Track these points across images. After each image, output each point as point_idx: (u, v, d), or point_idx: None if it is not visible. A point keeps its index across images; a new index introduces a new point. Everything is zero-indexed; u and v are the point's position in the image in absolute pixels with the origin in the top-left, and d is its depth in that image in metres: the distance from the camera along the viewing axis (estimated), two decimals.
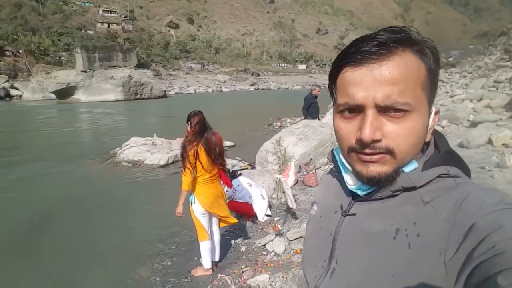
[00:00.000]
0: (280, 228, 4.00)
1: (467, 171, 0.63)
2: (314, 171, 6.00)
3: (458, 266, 0.49)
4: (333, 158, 0.74)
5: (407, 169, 0.60)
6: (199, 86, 50.98)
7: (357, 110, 0.58)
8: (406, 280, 0.55)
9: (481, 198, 0.52)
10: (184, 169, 3.10)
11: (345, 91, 0.59)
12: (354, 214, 0.67)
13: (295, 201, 5.10)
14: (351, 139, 0.60)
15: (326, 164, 7.23)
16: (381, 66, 0.56)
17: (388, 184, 0.60)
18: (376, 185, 0.61)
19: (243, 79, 64.56)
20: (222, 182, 3.59)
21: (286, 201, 4.79)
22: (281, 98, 35.60)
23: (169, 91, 41.65)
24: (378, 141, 0.57)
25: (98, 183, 7.11)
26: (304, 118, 8.41)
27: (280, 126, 14.72)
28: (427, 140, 0.62)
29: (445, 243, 0.52)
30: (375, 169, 0.59)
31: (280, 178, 4.24)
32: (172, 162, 8.35)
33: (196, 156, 3.11)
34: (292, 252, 3.65)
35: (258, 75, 72.06)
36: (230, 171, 4.99)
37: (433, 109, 0.62)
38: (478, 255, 0.46)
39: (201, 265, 3.52)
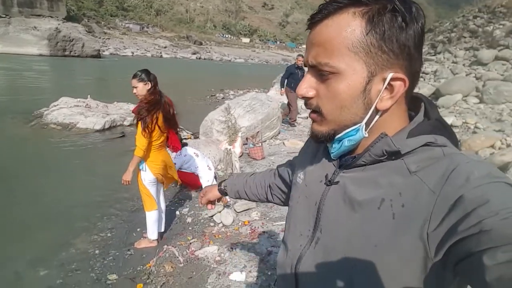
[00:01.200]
0: (228, 200, 3.93)
1: (455, 141, 0.63)
2: (260, 144, 6.00)
3: (440, 237, 0.50)
4: None
5: (351, 134, 0.61)
6: (137, 49, 47.53)
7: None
8: (388, 250, 0.55)
9: (469, 170, 0.51)
10: (143, 133, 2.82)
11: None
12: (337, 183, 0.66)
13: (240, 173, 5.08)
14: None
15: (271, 138, 7.31)
16: (315, 29, 0.59)
17: (328, 141, 0.64)
18: (317, 142, 0.67)
19: (185, 46, 61.86)
20: (169, 147, 3.42)
21: (232, 172, 4.73)
22: (223, 70, 34.96)
23: (103, 51, 38.17)
24: (310, 98, 0.61)
25: (21, 146, 6.27)
26: (281, 87, 8.56)
27: (223, 98, 14.50)
28: (384, 108, 0.58)
29: (430, 214, 0.51)
30: (314, 127, 0.64)
31: (230, 149, 4.13)
32: (109, 128, 7.69)
33: (156, 120, 2.87)
34: (240, 223, 3.63)
35: (201, 44, 69.64)
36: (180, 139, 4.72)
37: (390, 74, 0.56)
38: (463, 229, 0.46)
39: (145, 237, 3.33)
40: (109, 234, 3.46)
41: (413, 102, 0.65)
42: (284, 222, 2.92)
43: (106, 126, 7.61)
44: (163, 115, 2.97)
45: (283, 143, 7.10)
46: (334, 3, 0.56)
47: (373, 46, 0.55)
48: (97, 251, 3.15)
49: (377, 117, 0.60)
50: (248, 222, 3.64)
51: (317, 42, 0.58)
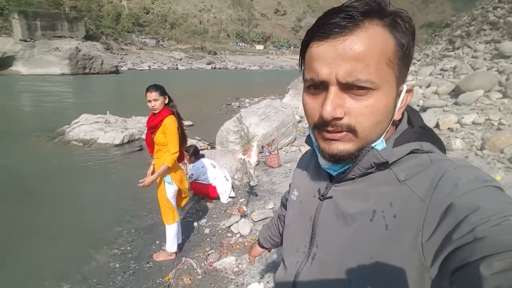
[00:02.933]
0: (245, 209, 3.94)
1: (441, 146, 0.63)
2: (276, 151, 5.99)
3: (435, 247, 0.49)
4: (309, 139, 0.71)
5: (376, 147, 0.59)
6: (154, 63, 48.67)
7: (321, 86, 0.56)
8: (384, 262, 0.55)
9: (457, 176, 0.51)
10: (174, 143, 2.89)
11: (310, 66, 0.57)
12: (331, 197, 0.66)
13: (257, 181, 5.08)
14: (316, 115, 0.58)
15: (287, 145, 7.28)
16: (344, 41, 0.52)
17: (350, 160, 0.59)
18: (339, 163, 0.61)
19: (200, 57, 62.77)
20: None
21: (249, 181, 4.74)
22: (238, 78, 35.22)
23: (121, 66, 39.29)
24: (340, 118, 0.55)
25: (46, 163, 6.49)
26: None
27: (239, 106, 14.59)
28: (397, 119, 0.60)
29: (422, 224, 0.51)
30: (337, 147, 0.58)
31: (244, 159, 4.14)
32: (128, 142, 7.88)
33: (179, 131, 2.98)
34: (257, 233, 3.62)
35: (215, 53, 70.50)
36: (196, 148, 4.78)
37: (404, 87, 0.58)
38: (456, 238, 0.45)
39: (163, 249, 3.36)
40: (128, 248, 3.52)
41: None
42: None
43: (125, 141, 7.81)
44: (180, 128, 3.04)
45: (299, 149, 7.05)
46: (355, 12, 0.52)
47: (400, 60, 0.55)
48: (117, 265, 3.21)
49: (389, 128, 0.61)
50: None
51: (353, 57, 0.52)
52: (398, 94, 0.58)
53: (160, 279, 2.97)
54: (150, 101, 2.91)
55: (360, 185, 0.62)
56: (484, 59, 11.97)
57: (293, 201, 0.80)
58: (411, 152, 0.58)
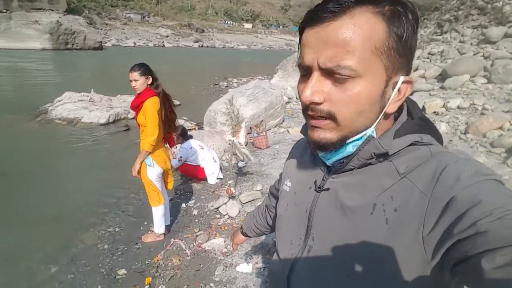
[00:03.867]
0: (233, 191, 3.95)
1: (439, 138, 0.63)
2: (264, 133, 5.99)
3: (436, 241, 0.49)
4: (304, 129, 0.68)
5: (362, 138, 0.59)
6: (139, 39, 47.17)
7: (307, 71, 0.57)
8: (384, 256, 0.55)
9: (458, 169, 0.51)
10: (152, 127, 2.82)
11: (301, 52, 0.58)
12: (328, 189, 0.65)
13: (245, 163, 5.09)
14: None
15: (275, 126, 7.28)
16: (328, 27, 0.52)
17: (332, 149, 0.60)
18: (321, 151, 0.62)
19: (187, 34, 61.23)
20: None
21: (243, 160, 4.72)
22: (226, 57, 34.67)
23: (105, 42, 37.90)
24: (319, 104, 0.55)
25: (28, 143, 6.31)
26: None
27: (227, 86, 14.44)
28: (391, 111, 0.58)
29: (423, 217, 0.51)
30: (318, 135, 0.58)
31: (233, 141, 4.12)
32: (113, 121, 7.70)
33: (161, 113, 2.91)
34: (246, 214, 3.64)
35: (203, 31, 68.89)
36: (184, 129, 4.72)
37: (401, 78, 0.56)
38: (458, 232, 0.45)
39: (151, 230, 3.37)
40: (117, 229, 3.50)
41: None
42: None
43: (111, 120, 7.63)
44: (166, 109, 2.97)
45: (288, 131, 7.07)
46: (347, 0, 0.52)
47: (393, 49, 0.54)
48: (106, 246, 3.20)
49: (381, 120, 0.59)
50: None
51: (334, 42, 0.52)
52: (389, 85, 0.56)
53: (149, 260, 2.99)
54: (131, 80, 2.85)
55: (358, 177, 0.61)
56: (471, 44, 12.06)
57: (286, 192, 0.78)
58: (411, 144, 0.58)
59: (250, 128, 6.14)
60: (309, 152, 0.74)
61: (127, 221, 3.68)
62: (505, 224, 0.42)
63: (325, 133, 0.58)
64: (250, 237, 1.23)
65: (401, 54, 0.54)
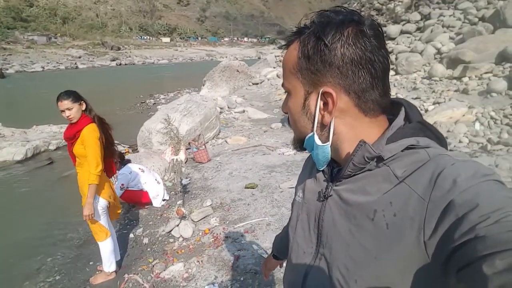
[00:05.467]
0: (183, 211, 3.79)
1: (442, 141, 0.64)
2: (204, 146, 5.88)
3: (438, 246, 0.50)
4: None
5: (306, 144, 0.69)
6: (48, 63, 42.87)
7: None
8: (388, 261, 0.56)
9: (455, 172, 0.51)
10: (94, 157, 2.57)
11: None
12: (332, 197, 0.68)
13: (189, 180, 4.95)
14: None
15: (213, 138, 7.22)
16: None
17: (298, 148, 0.73)
18: (294, 148, 0.75)
19: (102, 53, 57.64)
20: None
21: (181, 180, 4.57)
22: (148, 73, 33.42)
23: (7, 69, 33.71)
24: (286, 113, 0.72)
25: None
26: None
27: (155, 103, 13.94)
28: (326, 123, 0.63)
29: (423, 222, 0.52)
30: (292, 136, 0.74)
31: (177, 159, 3.97)
32: (32, 156, 6.86)
33: (102, 141, 2.68)
34: (200, 233, 3.53)
35: (119, 48, 65.51)
36: (121, 154, 4.42)
37: (320, 91, 0.62)
38: (458, 237, 0.46)
39: (100, 270, 3.07)
40: (57, 277, 3.10)
41: (394, 107, 0.67)
42: (245, 223, 2.92)
43: (29, 155, 6.79)
44: (105, 139, 2.75)
45: (226, 141, 7.05)
46: (294, 33, 0.66)
47: (304, 68, 0.63)
48: None
49: (331, 130, 0.63)
50: (209, 230, 3.55)
51: (282, 66, 0.69)
52: (309, 98, 0.64)
53: None
54: (63, 111, 2.58)
55: (359, 183, 0.63)
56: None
57: (298, 202, 0.81)
58: (408, 148, 0.59)
59: (189, 143, 5.99)
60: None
61: (68, 265, 3.29)
62: (503, 227, 0.42)
63: (293, 135, 0.74)
64: (283, 260, 1.21)
65: (312, 71, 0.61)
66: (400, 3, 15.03)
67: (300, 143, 0.71)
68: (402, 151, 0.59)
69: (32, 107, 13.83)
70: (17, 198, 5.09)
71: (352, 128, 0.63)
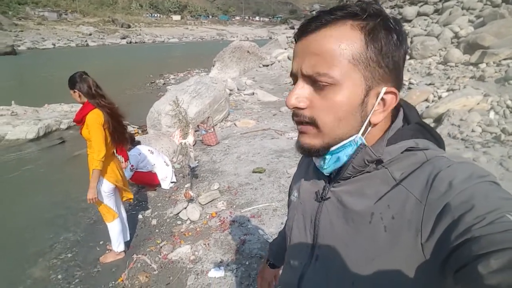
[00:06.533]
0: (191, 194, 3.84)
1: (440, 142, 0.64)
2: (212, 129, 5.89)
3: (435, 248, 0.50)
4: None
5: (351, 145, 0.60)
6: (59, 40, 42.78)
7: (295, 79, 0.61)
8: (386, 264, 0.56)
9: (451, 174, 0.52)
10: (97, 144, 2.59)
11: (292, 62, 0.62)
12: (329, 198, 0.67)
13: (197, 162, 4.98)
14: None
15: (222, 121, 7.21)
16: (311, 37, 0.57)
17: (316, 155, 0.63)
18: (307, 156, 0.67)
19: (112, 31, 57.29)
20: (117, 155, 3.19)
21: (188, 163, 4.60)
22: (158, 52, 33.22)
23: (19, 45, 33.69)
24: (302, 109, 0.59)
25: None
26: None
27: (164, 84, 13.91)
28: (377, 121, 0.60)
29: (420, 224, 0.52)
30: (303, 140, 0.62)
31: (185, 142, 3.99)
32: (44, 135, 6.96)
33: (108, 127, 2.68)
34: (208, 216, 3.58)
35: (129, 26, 65.00)
36: (131, 135, 4.46)
37: (383, 89, 0.58)
38: (454, 238, 0.46)
39: (110, 249, 3.15)
40: (69, 255, 3.21)
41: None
42: (252, 208, 2.93)
43: (41, 133, 6.89)
44: (112, 125, 2.73)
45: (235, 124, 7.04)
46: (330, 13, 0.57)
47: (372, 60, 0.56)
48: (59, 276, 2.92)
49: (369, 129, 0.61)
50: (216, 213, 3.60)
51: (314, 51, 0.56)
52: (369, 95, 0.58)
53: (113, 282, 2.79)
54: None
55: (357, 185, 0.63)
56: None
57: (294, 202, 0.81)
58: (407, 150, 0.59)
59: (198, 125, 6.00)
60: (313, 164, 0.75)
61: (80, 243, 3.39)
62: (498, 227, 0.43)
63: (309, 139, 0.61)
64: (280, 267, 1.15)
65: (381, 66, 0.57)
66: None
67: (326, 150, 0.61)
68: (401, 153, 0.60)
69: (44, 85, 13.94)
70: (29, 176, 5.21)
71: (376, 127, 0.62)
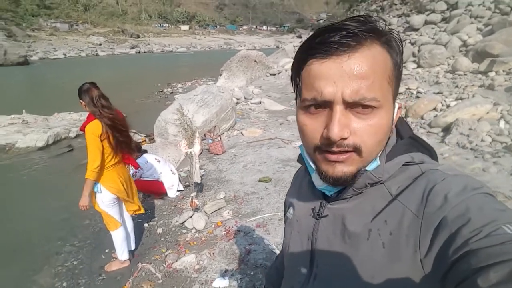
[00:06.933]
0: (197, 203, 3.83)
1: (432, 154, 0.64)
2: (219, 138, 5.90)
3: (434, 263, 0.50)
4: (301, 158, 0.70)
5: (370, 167, 0.58)
6: (70, 50, 43.72)
7: (323, 105, 0.55)
8: (386, 281, 0.55)
9: (445, 188, 0.52)
10: (91, 154, 2.61)
11: (311, 85, 0.55)
12: (327, 216, 0.66)
13: (203, 171, 4.98)
14: (317, 137, 0.56)
15: (228, 130, 7.22)
16: (350, 59, 0.52)
17: (352, 183, 0.59)
18: (341, 186, 0.60)
19: (122, 41, 58.34)
20: (127, 164, 3.19)
21: (193, 175, 4.60)
22: (166, 61, 33.65)
23: (31, 56, 34.48)
24: (345, 139, 0.54)
25: None
26: None
27: (172, 92, 14.04)
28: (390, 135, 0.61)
29: (418, 240, 0.52)
30: (341, 169, 0.56)
31: (191, 152, 4.00)
32: (54, 143, 7.07)
33: (107, 137, 2.67)
34: (213, 226, 3.57)
35: (138, 36, 66.10)
36: (138, 144, 4.48)
37: (396, 105, 0.60)
38: (452, 253, 0.46)
39: (115, 258, 3.16)
40: (74, 262, 3.22)
41: None
42: (258, 217, 2.90)
43: (50, 142, 7.00)
44: (113, 132, 2.73)
45: (241, 133, 7.05)
46: (360, 30, 0.52)
47: (396, 78, 0.57)
48: (64, 284, 2.92)
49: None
50: (221, 222, 3.58)
51: (360, 75, 0.51)
52: (394, 113, 0.59)
53: None
54: None
55: (354, 203, 0.62)
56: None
57: (290, 219, 0.79)
58: (403, 165, 0.60)
59: (204, 134, 6.02)
60: (307, 180, 0.74)
61: (85, 251, 3.41)
62: (495, 240, 0.43)
63: (348, 167, 0.56)
64: None
65: (399, 81, 0.58)
66: None
67: (358, 172, 0.57)
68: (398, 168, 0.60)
69: (54, 94, 14.17)
70: (39, 183, 5.27)
71: None
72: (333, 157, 0.56)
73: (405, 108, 7.15)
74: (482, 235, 0.43)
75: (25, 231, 3.82)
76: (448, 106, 6.64)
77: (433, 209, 0.51)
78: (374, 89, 0.52)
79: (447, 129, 5.92)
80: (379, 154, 0.59)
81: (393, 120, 0.59)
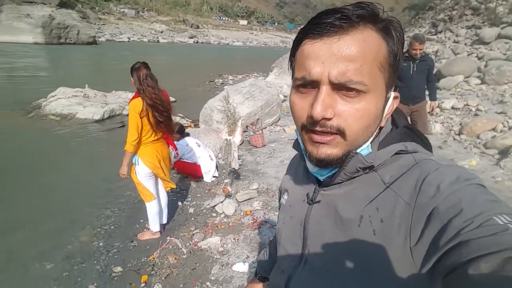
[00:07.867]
0: (229, 190, 3.95)
1: (427, 145, 0.64)
2: (260, 131, 5.98)
3: (424, 253, 0.49)
4: (297, 144, 0.71)
5: (361, 152, 0.59)
6: (134, 34, 46.62)
7: (312, 85, 0.55)
8: (375, 267, 0.55)
9: (438, 178, 0.51)
10: (130, 128, 2.81)
11: (302, 64, 0.56)
12: (319, 202, 0.67)
13: (241, 161, 5.09)
14: (304, 116, 0.57)
15: (271, 125, 7.28)
16: (339, 40, 0.52)
17: (337, 165, 0.59)
18: (326, 168, 0.61)
19: (182, 30, 60.81)
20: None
21: (231, 162, 4.73)
22: (221, 53, 34.53)
23: (99, 37, 37.34)
24: (329, 119, 0.54)
25: (21, 139, 6.25)
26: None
27: (222, 83, 14.39)
28: (383, 125, 0.60)
29: (409, 228, 0.51)
30: (325, 151, 0.57)
31: (230, 139, 4.12)
32: (108, 117, 7.66)
33: (146, 115, 2.83)
34: (242, 213, 3.66)
35: (198, 27, 68.47)
36: (181, 126, 4.71)
37: (392, 94, 0.59)
38: (443, 243, 0.46)
39: (147, 228, 3.36)
40: (112, 227, 3.48)
41: None
42: None
43: (105, 116, 7.58)
44: (154, 111, 2.86)
45: (284, 129, 7.08)
46: (355, 13, 0.53)
47: (391, 66, 0.56)
48: (101, 244, 3.19)
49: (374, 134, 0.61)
50: (250, 212, 3.66)
51: (348, 57, 0.52)
52: (386, 100, 0.59)
53: (145, 258, 2.98)
54: None
55: (347, 188, 0.62)
56: (465, 44, 12.09)
57: (283, 205, 0.80)
58: (396, 153, 0.59)
59: (246, 126, 6.13)
60: (303, 166, 0.75)
61: (123, 218, 3.67)
62: (485, 231, 0.42)
63: (332, 149, 0.57)
64: (266, 280, 1.08)
65: (394, 71, 0.57)
66: (504, 2, 13.29)
67: (344, 156, 0.58)
68: (391, 156, 0.60)
69: (114, 73, 15.21)
70: (91, 153, 5.75)
71: None
72: (317, 137, 0.57)
73: (460, 125, 6.72)
74: (473, 226, 0.44)
75: (73, 192, 4.22)
76: (510, 128, 6.13)
77: (425, 199, 0.51)
78: (362, 73, 0.52)
79: (505, 152, 5.46)
80: (371, 140, 0.60)
81: (385, 107, 0.59)
